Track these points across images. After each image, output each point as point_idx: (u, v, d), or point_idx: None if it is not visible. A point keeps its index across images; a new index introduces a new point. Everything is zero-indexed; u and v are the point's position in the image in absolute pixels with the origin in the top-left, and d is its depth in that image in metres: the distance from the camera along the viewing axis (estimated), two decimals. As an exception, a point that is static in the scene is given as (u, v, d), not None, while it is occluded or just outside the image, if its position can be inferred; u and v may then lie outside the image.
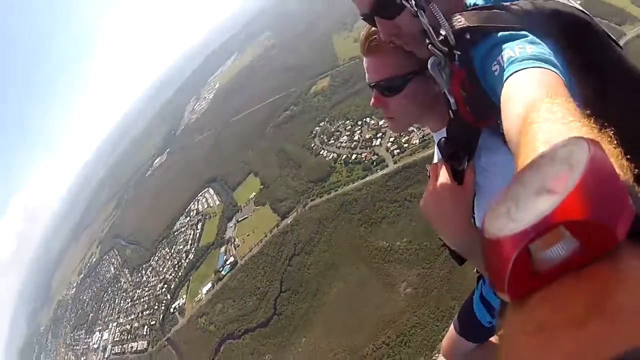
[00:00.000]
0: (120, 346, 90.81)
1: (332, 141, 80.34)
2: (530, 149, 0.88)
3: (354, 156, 72.68)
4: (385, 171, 65.19)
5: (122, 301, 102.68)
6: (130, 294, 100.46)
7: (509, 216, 0.56)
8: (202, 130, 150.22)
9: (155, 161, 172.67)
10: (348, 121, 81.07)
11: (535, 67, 1.37)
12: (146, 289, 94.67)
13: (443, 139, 1.85)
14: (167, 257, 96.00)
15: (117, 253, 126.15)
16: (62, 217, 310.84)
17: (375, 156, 68.99)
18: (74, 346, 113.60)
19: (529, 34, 1.53)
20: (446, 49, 1.64)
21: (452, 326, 3.44)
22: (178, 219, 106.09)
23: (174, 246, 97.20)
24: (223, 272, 76.01)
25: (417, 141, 64.59)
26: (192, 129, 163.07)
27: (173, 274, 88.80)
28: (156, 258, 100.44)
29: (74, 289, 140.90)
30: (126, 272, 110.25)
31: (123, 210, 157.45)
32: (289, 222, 71.98)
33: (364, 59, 2.27)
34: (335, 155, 76.44)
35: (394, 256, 55.42)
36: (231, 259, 77.24)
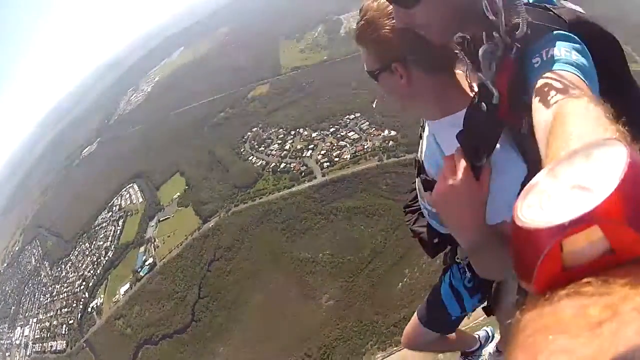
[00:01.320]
0: (40, 344, 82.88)
1: (262, 148, 77.72)
2: (562, 142, 0.87)
3: (282, 165, 70.33)
4: (312, 183, 63.32)
5: (42, 296, 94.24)
6: (50, 288, 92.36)
7: (542, 207, 0.56)
8: (134, 123, 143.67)
9: (85, 150, 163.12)
10: (281, 130, 79.00)
11: (575, 74, 1.33)
12: (65, 284, 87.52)
13: (462, 132, 1.68)
14: (87, 253, 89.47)
15: (38, 244, 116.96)
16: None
17: (304, 167, 67.06)
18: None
19: (579, 40, 1.49)
20: (509, 40, 1.53)
21: (415, 317, 3.26)
22: (100, 213, 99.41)
23: (94, 242, 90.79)
24: (141, 273, 71.09)
25: (348, 156, 63.72)
26: (125, 121, 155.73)
27: (92, 271, 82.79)
28: (76, 253, 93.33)
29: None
30: (46, 265, 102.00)
31: (49, 199, 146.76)
32: (210, 226, 68.34)
33: None
34: (264, 162, 73.78)
35: (316, 268, 53.53)
36: (150, 260, 72.45)
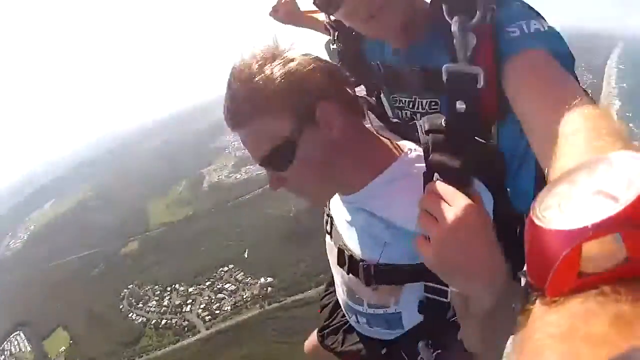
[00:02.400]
0: None
1: (140, 305, 74.60)
2: (576, 151, 0.79)
3: (163, 321, 68.21)
4: (197, 337, 62.27)
5: None
6: None
7: (561, 209, 0.51)
8: (13, 269, 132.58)
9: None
10: (157, 286, 77.19)
11: (563, 64, 1.13)
12: None
13: (436, 154, 1.20)
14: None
15: None
16: None
17: (186, 322, 65.86)
18: None
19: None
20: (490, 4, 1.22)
21: None
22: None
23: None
24: None
25: (229, 307, 64.06)
26: (4, 267, 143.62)
27: None
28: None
29: None
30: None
31: None
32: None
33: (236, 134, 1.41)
34: (144, 319, 70.71)
35: None
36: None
